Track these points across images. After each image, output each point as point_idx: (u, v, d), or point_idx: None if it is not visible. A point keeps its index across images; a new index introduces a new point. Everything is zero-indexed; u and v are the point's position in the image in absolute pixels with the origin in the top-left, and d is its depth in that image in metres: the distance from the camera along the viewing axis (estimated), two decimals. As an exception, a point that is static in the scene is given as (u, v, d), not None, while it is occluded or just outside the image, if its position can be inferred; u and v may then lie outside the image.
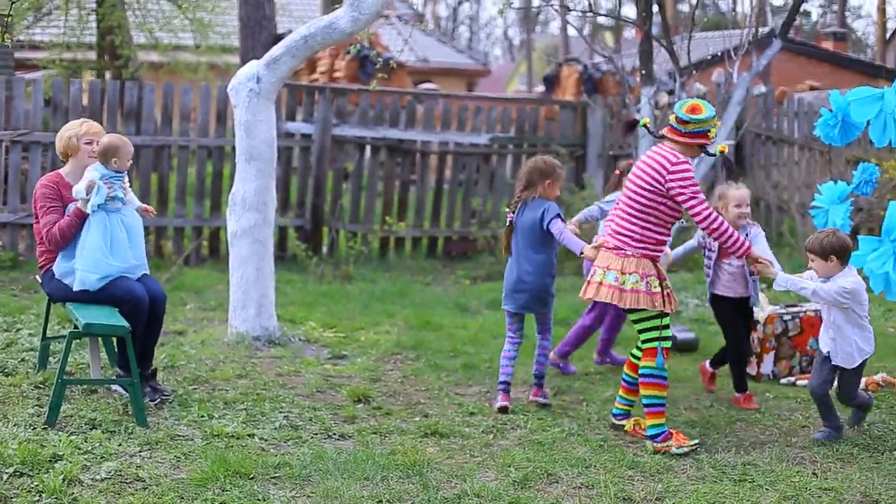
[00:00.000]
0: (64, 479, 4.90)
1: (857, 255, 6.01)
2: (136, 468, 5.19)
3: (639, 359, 6.25)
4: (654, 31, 10.69)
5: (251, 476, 5.19)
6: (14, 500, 4.72)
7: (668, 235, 6.20)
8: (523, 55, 54.40)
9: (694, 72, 10.42)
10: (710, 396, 7.24)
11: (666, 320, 6.14)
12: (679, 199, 5.96)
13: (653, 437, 6.01)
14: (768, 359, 7.74)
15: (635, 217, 6.06)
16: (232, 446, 5.61)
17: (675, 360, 8.25)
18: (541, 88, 25.26)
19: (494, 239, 12.32)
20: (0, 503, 4.70)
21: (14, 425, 5.61)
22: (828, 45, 28.75)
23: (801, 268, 7.70)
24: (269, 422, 6.11)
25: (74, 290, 6.16)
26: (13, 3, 6.92)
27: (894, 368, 7.90)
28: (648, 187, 6.01)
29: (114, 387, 6.39)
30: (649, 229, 6.05)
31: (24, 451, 5.13)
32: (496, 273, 11.79)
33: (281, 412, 6.31)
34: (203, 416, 6.08)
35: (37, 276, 6.69)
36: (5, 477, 4.92)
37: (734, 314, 7.05)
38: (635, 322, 6.17)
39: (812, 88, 20.19)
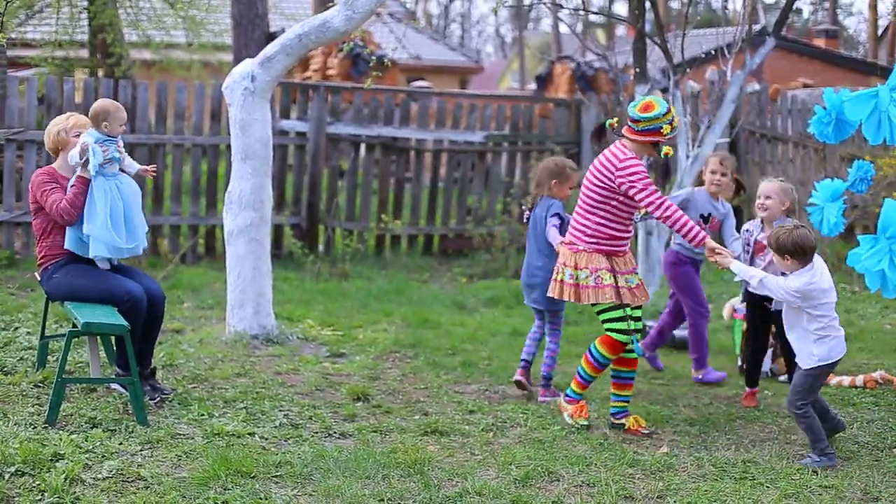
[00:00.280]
0: (66, 478, 4.89)
1: (855, 254, 6.03)
2: (137, 467, 5.18)
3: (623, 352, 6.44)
4: (647, 28, 10.70)
5: (252, 475, 5.18)
6: (16, 499, 4.71)
7: (627, 231, 6.30)
8: (515, 52, 54.43)
9: (688, 70, 10.42)
10: (709, 394, 7.26)
11: (619, 313, 6.26)
12: (631, 192, 6.10)
13: (567, 396, 6.44)
14: (766, 356, 7.75)
15: (589, 213, 6.24)
16: (233, 445, 5.61)
17: (673, 358, 8.30)
18: (533, 86, 25.26)
19: (490, 236, 12.34)
20: (2, 502, 4.70)
21: (14, 424, 5.60)
22: (820, 42, 28.84)
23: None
24: (269, 420, 6.10)
25: (90, 255, 6.14)
26: (7, 3, 6.88)
27: (892, 366, 7.93)
28: (600, 184, 6.17)
29: (113, 385, 6.38)
30: (603, 224, 6.20)
31: (25, 450, 5.11)
32: (492, 270, 11.81)
33: (281, 410, 6.31)
34: (203, 415, 6.07)
35: (35, 274, 6.67)
36: (7, 476, 4.91)
37: (757, 316, 7.01)
38: (597, 313, 6.35)
39: (805, 86, 20.23)
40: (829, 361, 5.80)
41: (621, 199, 6.16)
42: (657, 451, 5.91)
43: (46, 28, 18.40)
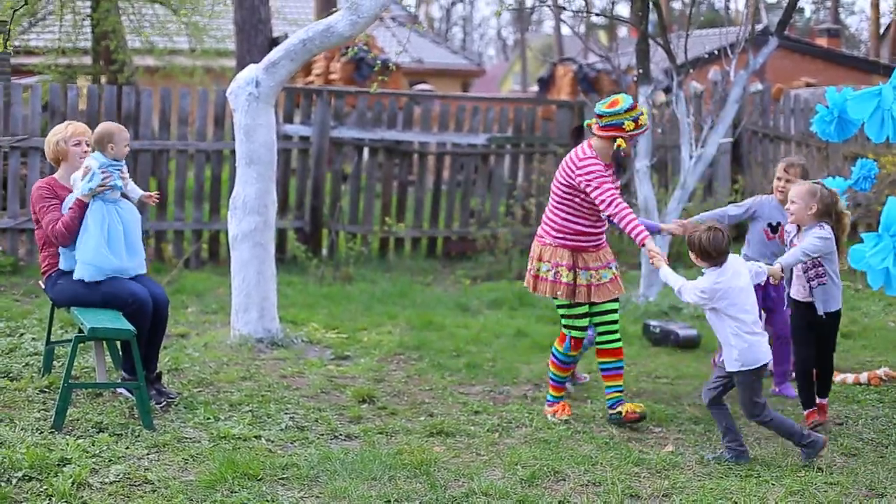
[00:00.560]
0: (73, 483, 4.92)
1: (859, 251, 6.03)
2: (144, 471, 5.20)
3: (601, 344, 6.57)
4: (650, 29, 10.71)
5: (259, 477, 5.20)
6: None
7: (594, 226, 6.46)
8: (517, 55, 54.43)
9: (691, 70, 10.45)
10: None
11: (578, 310, 6.46)
12: (587, 189, 6.28)
13: (547, 401, 6.67)
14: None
15: (556, 208, 6.47)
16: (239, 448, 5.63)
17: (677, 357, 8.31)
18: (535, 89, 25.27)
19: (493, 238, 12.35)
20: (10, 507, 4.72)
21: (21, 429, 5.62)
22: (822, 41, 28.82)
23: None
24: (275, 423, 6.12)
25: (74, 278, 6.18)
26: (14, 11, 6.91)
27: (896, 363, 7.94)
28: (563, 181, 6.42)
29: (119, 390, 6.40)
30: (568, 220, 6.43)
31: (32, 454, 5.14)
32: (496, 273, 11.83)
33: (286, 413, 6.33)
34: (209, 419, 6.09)
35: (40, 282, 6.70)
36: (14, 481, 4.93)
37: (802, 319, 6.49)
38: (556, 307, 6.60)
39: (808, 85, 20.23)
40: (754, 367, 5.66)
41: (583, 195, 6.36)
42: (662, 449, 5.92)
43: (50, 35, 18.44)
